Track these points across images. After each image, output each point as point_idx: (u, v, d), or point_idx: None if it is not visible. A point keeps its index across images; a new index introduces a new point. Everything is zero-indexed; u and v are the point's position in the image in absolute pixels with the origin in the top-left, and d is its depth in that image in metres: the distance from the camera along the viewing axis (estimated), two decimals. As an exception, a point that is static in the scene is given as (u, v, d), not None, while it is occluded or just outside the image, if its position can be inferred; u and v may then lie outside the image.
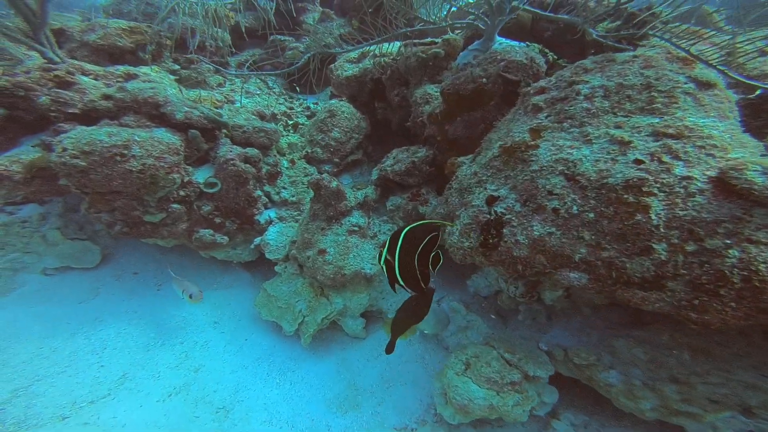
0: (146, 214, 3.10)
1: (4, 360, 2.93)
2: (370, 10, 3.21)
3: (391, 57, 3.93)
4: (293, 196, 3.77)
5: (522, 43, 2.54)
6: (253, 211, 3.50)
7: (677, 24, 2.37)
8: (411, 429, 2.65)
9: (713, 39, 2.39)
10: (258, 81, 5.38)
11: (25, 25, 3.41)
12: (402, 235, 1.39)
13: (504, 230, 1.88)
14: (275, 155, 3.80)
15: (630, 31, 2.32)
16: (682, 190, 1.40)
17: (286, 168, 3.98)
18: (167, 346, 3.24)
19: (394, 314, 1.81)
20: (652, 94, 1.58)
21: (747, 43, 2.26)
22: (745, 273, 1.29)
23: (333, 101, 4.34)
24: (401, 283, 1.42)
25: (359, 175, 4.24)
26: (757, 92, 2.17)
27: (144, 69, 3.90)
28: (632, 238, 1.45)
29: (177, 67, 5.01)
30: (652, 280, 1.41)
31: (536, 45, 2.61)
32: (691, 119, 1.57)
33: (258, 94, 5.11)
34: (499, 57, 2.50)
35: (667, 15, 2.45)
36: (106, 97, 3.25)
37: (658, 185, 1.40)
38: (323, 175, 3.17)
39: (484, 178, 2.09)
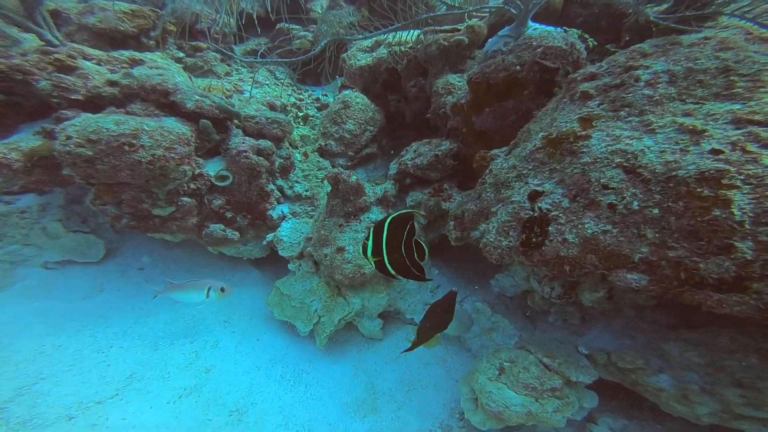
0: (155, 208, 2.94)
1: (5, 357, 2.79)
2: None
3: (408, 45, 3.75)
4: (307, 191, 3.62)
5: (559, 28, 2.39)
6: (266, 206, 3.35)
7: (752, 2, 2.08)
8: (435, 435, 2.54)
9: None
10: (266, 71, 5.20)
11: (17, 4, 3.19)
12: (385, 229, 1.43)
13: (549, 228, 1.74)
14: (288, 148, 3.63)
15: (697, 12, 2.14)
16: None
17: (299, 161, 3.82)
18: (176, 345, 3.10)
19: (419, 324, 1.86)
20: (731, 78, 1.44)
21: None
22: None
23: (346, 92, 4.17)
24: (398, 277, 1.52)
25: (374, 170, 4.08)
26: None
27: (150, 55, 3.70)
28: (707, 236, 1.31)
29: (182, 54, 4.82)
30: (732, 282, 1.27)
31: (575, 30, 2.45)
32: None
33: (267, 84, 4.93)
34: (535, 43, 2.34)
35: None
36: (112, 83, 3.07)
37: (742, 177, 1.26)
38: (340, 169, 3.02)
39: (524, 171, 1.95)
